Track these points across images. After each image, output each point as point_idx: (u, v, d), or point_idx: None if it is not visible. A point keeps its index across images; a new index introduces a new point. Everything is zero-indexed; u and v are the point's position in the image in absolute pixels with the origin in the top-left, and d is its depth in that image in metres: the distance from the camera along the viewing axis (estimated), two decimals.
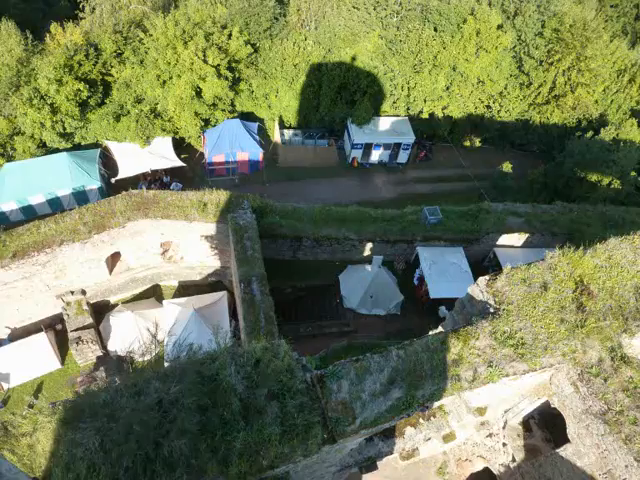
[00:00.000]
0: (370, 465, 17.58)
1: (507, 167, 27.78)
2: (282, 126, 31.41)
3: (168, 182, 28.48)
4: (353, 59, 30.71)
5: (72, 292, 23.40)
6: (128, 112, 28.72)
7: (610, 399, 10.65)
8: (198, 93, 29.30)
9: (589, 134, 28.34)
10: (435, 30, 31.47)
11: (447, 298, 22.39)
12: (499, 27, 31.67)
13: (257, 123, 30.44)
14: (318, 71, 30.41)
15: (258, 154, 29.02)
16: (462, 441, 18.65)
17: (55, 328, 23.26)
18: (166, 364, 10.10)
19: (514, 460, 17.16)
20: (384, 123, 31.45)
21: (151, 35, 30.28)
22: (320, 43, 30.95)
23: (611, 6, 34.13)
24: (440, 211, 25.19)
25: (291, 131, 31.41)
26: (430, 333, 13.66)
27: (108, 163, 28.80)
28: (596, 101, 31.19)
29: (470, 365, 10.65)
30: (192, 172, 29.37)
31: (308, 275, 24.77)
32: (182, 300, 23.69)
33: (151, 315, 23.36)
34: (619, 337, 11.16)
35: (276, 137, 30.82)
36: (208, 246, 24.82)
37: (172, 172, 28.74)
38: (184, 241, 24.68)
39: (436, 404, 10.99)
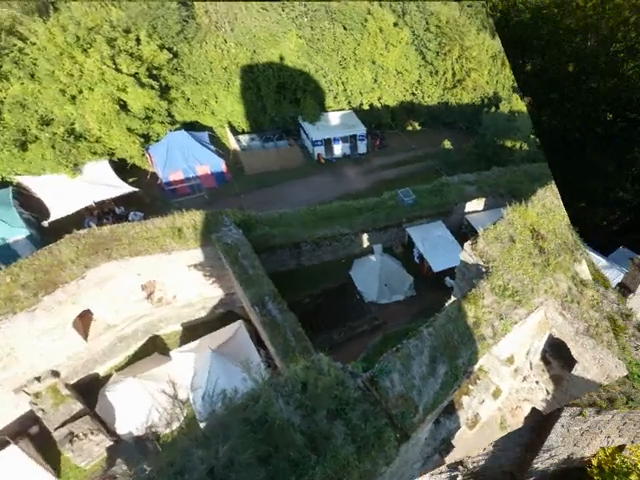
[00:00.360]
0: (448, 447, 17.58)
1: (447, 144, 30.63)
2: (235, 132, 28.47)
3: (124, 213, 22.93)
4: (281, 59, 29.81)
5: (38, 379, 17.38)
6: (36, 137, 22.37)
7: (587, 317, 12.34)
8: (124, 106, 24.58)
9: (492, 109, 33.24)
10: (345, 28, 32.81)
11: (448, 269, 23.56)
12: (395, 25, 34.71)
13: (206, 132, 26.93)
14: (251, 73, 28.63)
15: (220, 164, 25.63)
16: (507, 392, 19.92)
17: (29, 433, 16.81)
18: (202, 424, 8.47)
19: (548, 393, 19.09)
20: (334, 118, 31.33)
21: (34, 43, 24.58)
22: (242, 45, 29.19)
23: (468, 6, 40.69)
24: (412, 192, 26.42)
25: (247, 136, 28.71)
26: (446, 305, 14.21)
27: (30, 204, 21.88)
28: (487, 82, 36.80)
29: (487, 323, 11.47)
30: (149, 197, 24.33)
31: (318, 280, 23.19)
32: (193, 345, 19.66)
33: (160, 374, 18.86)
34: (573, 266, 13.06)
35: (233, 144, 27.73)
36: (201, 275, 21.28)
37: (124, 200, 23.25)
38: (169, 277, 20.71)
39: (476, 367, 11.47)
